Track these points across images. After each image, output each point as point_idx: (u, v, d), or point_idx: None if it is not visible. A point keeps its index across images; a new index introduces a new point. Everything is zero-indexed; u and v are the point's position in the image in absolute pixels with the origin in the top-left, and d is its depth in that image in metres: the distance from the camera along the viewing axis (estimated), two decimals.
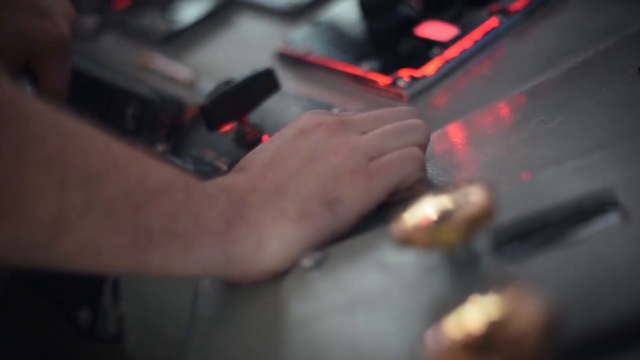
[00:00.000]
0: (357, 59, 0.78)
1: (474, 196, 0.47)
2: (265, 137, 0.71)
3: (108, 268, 0.51)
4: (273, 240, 0.53)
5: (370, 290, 0.49)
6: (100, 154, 0.49)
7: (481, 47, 0.76)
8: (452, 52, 0.75)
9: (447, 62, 0.75)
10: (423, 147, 0.60)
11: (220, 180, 0.56)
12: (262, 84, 0.71)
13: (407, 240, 0.47)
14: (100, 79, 0.86)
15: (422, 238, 0.46)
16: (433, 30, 0.79)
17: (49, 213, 0.47)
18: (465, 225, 0.45)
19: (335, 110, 0.70)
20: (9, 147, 0.46)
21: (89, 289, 0.80)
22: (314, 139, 0.57)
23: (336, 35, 0.84)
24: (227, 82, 0.71)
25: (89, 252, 0.49)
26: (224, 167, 0.71)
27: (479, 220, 0.45)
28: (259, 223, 0.53)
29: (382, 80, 0.74)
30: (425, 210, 0.47)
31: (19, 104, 0.47)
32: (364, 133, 0.59)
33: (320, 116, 0.60)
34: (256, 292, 0.54)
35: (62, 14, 0.72)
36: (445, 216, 0.46)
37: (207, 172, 0.71)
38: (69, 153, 0.48)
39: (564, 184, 0.51)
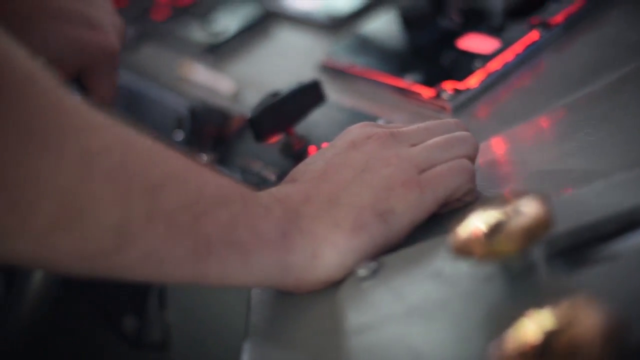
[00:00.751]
0: (400, 71, 0.80)
1: (530, 207, 0.48)
2: (311, 148, 0.73)
3: (169, 277, 0.53)
4: (328, 251, 0.54)
5: (426, 300, 0.50)
6: (161, 165, 0.51)
7: (522, 60, 0.77)
8: (495, 65, 0.76)
9: (489, 74, 0.76)
10: (472, 158, 0.61)
11: (273, 191, 0.57)
12: (308, 96, 0.72)
13: (463, 251, 0.48)
14: (143, 90, 0.87)
15: (479, 249, 0.47)
16: (474, 43, 0.80)
17: (113, 224, 0.48)
18: (522, 236, 0.46)
19: (380, 122, 0.71)
20: (75, 158, 0.47)
21: (135, 297, 0.81)
22: (366, 150, 0.59)
23: (377, 47, 0.85)
24: (274, 94, 0.72)
25: (151, 262, 0.50)
26: (272, 177, 0.72)
27: (536, 231, 0.46)
28: (314, 233, 0.55)
29: (426, 92, 0.76)
30: (481, 221, 0.48)
31: (83, 115, 0.49)
32: (413, 145, 0.60)
33: (371, 128, 0.61)
34: (311, 301, 0.55)
35: (111, 25, 0.74)
36: (501, 227, 0.47)
37: (255, 182, 0.72)
38: (132, 164, 0.49)
39: (614, 196, 0.52)
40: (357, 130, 0.61)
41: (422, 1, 0.83)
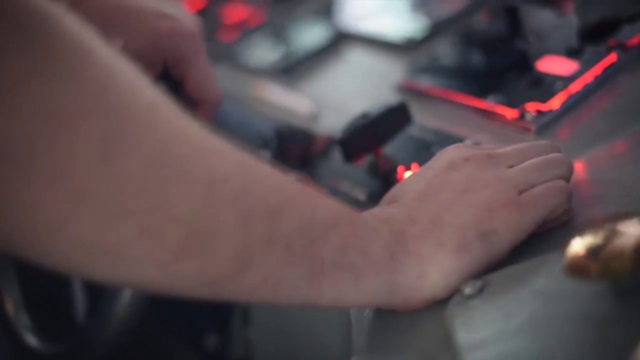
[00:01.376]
0: (480, 93, 0.81)
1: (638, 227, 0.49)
2: (400, 169, 0.74)
3: (284, 300, 0.54)
4: (434, 271, 0.56)
5: (535, 318, 0.51)
6: (278, 190, 0.53)
7: (601, 82, 0.79)
8: (575, 87, 0.78)
9: (570, 96, 0.77)
10: (567, 179, 0.62)
11: (376, 212, 0.59)
12: (396, 118, 0.74)
13: (577, 270, 0.49)
14: (225, 109, 0.90)
15: (594, 268, 0.48)
16: (553, 65, 0.81)
17: (235, 249, 0.49)
18: (637, 255, 0.47)
19: (467, 142, 0.73)
20: (201, 184, 0.48)
21: (218, 314, 0.83)
22: (465, 172, 0.60)
23: (455, 68, 0.87)
24: (363, 116, 0.74)
25: (269, 286, 0.52)
26: (362, 197, 0.74)
27: None
28: (420, 254, 0.56)
29: (509, 113, 0.77)
30: (592, 241, 0.50)
31: (206, 141, 0.51)
32: (510, 166, 0.62)
33: (467, 150, 0.63)
34: (416, 319, 0.57)
35: (184, 15, 0.74)
36: (614, 247, 0.49)
37: (344, 201, 0.74)
38: (252, 189, 0.51)
39: None
40: (453, 151, 0.63)
41: (498, 25, 0.85)
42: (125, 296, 0.72)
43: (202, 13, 1.26)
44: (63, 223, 0.45)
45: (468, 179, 0.60)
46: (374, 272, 0.55)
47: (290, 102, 0.94)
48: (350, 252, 0.54)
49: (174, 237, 0.47)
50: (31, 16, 0.44)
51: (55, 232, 0.45)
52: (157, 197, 0.46)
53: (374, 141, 0.74)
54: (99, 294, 0.77)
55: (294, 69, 1.02)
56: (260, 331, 0.81)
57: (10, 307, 0.90)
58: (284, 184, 0.53)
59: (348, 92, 0.94)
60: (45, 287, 0.92)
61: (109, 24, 0.69)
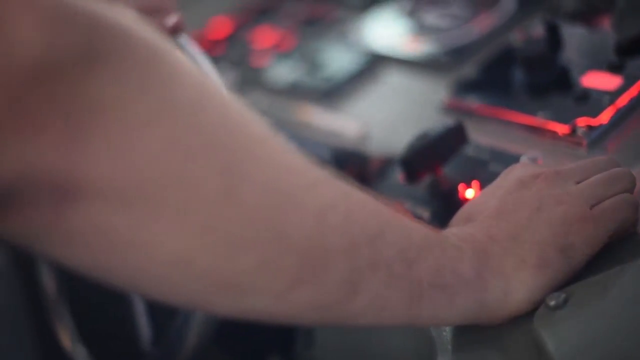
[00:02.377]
0: (528, 109, 0.84)
1: None
2: (461, 187, 0.77)
3: (387, 322, 0.57)
4: (518, 287, 0.59)
5: (625, 324, 0.54)
6: (377, 215, 0.55)
7: None
8: (622, 101, 0.80)
9: (618, 110, 0.80)
10: (632, 191, 0.65)
11: (455, 232, 0.62)
12: (454, 137, 0.77)
13: None
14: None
15: None
16: (597, 80, 0.84)
17: (343, 274, 0.52)
18: None
19: (524, 159, 0.76)
20: (312, 214, 0.51)
21: (281, 336, 0.85)
22: (536, 189, 0.63)
23: (498, 86, 0.90)
24: (422, 136, 0.77)
25: (374, 309, 0.54)
26: (426, 216, 0.76)
27: None
28: (503, 272, 0.59)
29: (560, 129, 0.80)
30: None
31: (310, 171, 0.53)
32: (577, 183, 0.64)
33: (534, 168, 0.66)
34: (503, 333, 0.59)
35: None
36: None
37: None
38: (354, 216, 0.53)
39: None
40: (521, 170, 0.66)
41: (538, 41, 0.88)
42: (196, 321, 0.74)
43: (230, 39, 1.28)
44: (189, 257, 0.47)
45: (540, 196, 0.62)
46: (464, 291, 0.57)
47: (339, 124, 0.96)
48: (443, 272, 0.56)
49: (289, 266, 0.49)
50: (154, 56, 0.46)
51: (181, 267, 0.47)
52: (274, 227, 0.49)
53: (435, 161, 0.76)
54: (164, 318, 0.78)
55: (334, 92, 1.04)
56: (324, 352, 0.83)
57: (65, 339, 0.91)
58: (379, 209, 0.56)
59: (392, 113, 0.96)
60: (102, 315, 0.93)
61: None
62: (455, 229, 0.63)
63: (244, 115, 0.51)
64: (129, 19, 0.47)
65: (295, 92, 1.09)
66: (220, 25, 1.30)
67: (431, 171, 0.77)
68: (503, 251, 0.60)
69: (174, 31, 0.69)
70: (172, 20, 0.69)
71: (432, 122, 0.89)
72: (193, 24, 1.30)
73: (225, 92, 0.51)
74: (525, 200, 0.62)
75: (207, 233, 0.47)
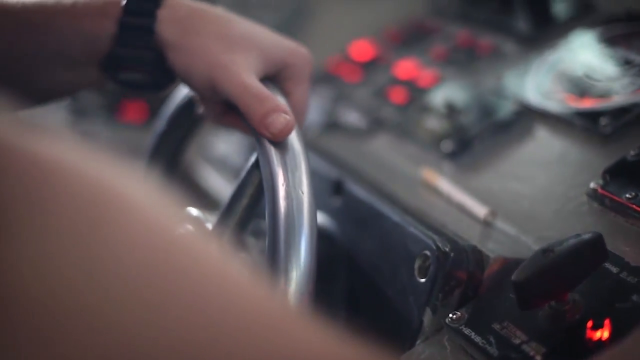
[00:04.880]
0: None
1: None
2: (590, 324, 0.58)
3: None
4: None
5: None
6: None
7: None
8: None
9: None
10: None
11: None
12: (588, 255, 0.58)
13: None
14: (381, 208, 0.76)
15: None
16: None
17: None
18: None
19: None
20: None
21: None
22: None
23: None
24: (545, 251, 0.58)
25: None
26: (537, 358, 0.58)
27: None
28: None
29: None
30: None
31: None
32: None
33: None
34: None
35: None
36: None
37: (514, 358, 0.59)
38: None
39: None
40: None
41: None
42: None
43: (371, 64, 1.12)
44: None
45: None
46: None
47: (460, 201, 0.79)
48: None
49: None
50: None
51: None
52: None
53: (559, 286, 0.58)
54: None
55: (467, 149, 0.87)
56: None
57: None
58: None
59: (533, 188, 0.78)
60: None
61: (233, 22, 0.72)
62: None
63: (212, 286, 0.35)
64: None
65: (425, 142, 0.92)
66: (363, 49, 1.14)
67: (554, 298, 0.59)
68: None
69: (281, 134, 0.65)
70: (281, 121, 0.66)
71: (576, 216, 0.71)
72: (335, 46, 1.16)
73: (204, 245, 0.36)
74: None
75: None
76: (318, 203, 0.81)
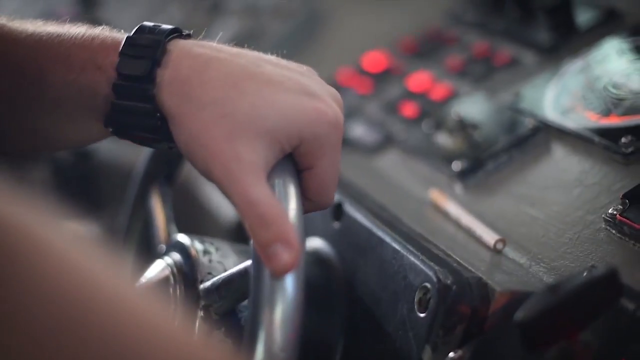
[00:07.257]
0: None
1: None
2: None
3: None
4: None
5: None
6: None
7: None
8: None
9: None
10: None
11: None
12: (601, 292, 0.53)
13: None
14: (382, 234, 0.70)
15: None
16: None
17: None
18: None
19: None
20: None
21: None
22: None
23: None
24: (552, 288, 0.53)
25: None
26: None
27: None
28: None
29: None
30: None
31: None
32: None
33: None
34: None
35: (330, 96, 0.61)
36: None
37: None
38: None
39: None
40: None
41: None
42: None
43: (383, 75, 1.07)
44: None
45: None
46: None
47: (472, 226, 0.73)
48: None
49: None
50: None
51: None
52: None
53: (568, 326, 0.52)
54: None
55: (479, 168, 0.81)
56: None
57: None
58: None
59: (547, 212, 0.72)
60: None
61: (237, 90, 0.58)
62: None
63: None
64: None
65: (434, 159, 0.86)
66: (376, 60, 1.09)
67: (563, 338, 0.53)
68: None
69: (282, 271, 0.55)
70: (284, 258, 0.55)
71: (593, 244, 0.65)
72: (347, 56, 1.11)
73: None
74: None
75: None
76: (317, 227, 0.76)
